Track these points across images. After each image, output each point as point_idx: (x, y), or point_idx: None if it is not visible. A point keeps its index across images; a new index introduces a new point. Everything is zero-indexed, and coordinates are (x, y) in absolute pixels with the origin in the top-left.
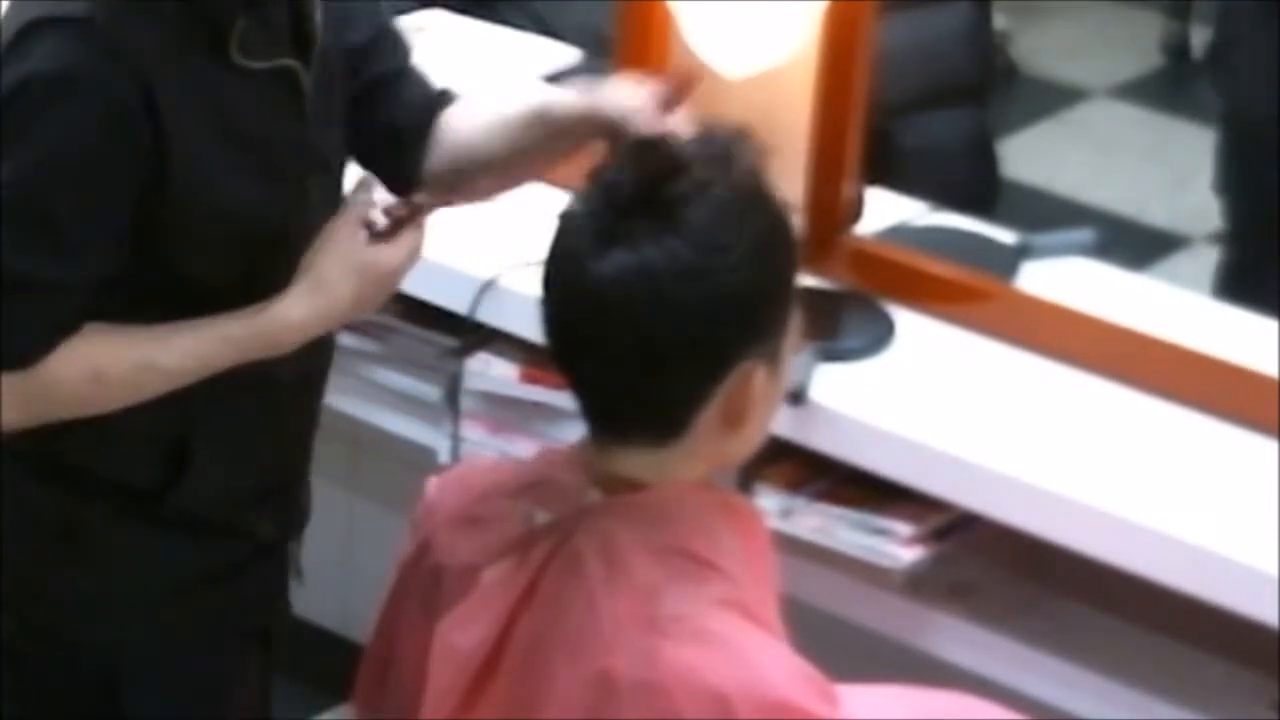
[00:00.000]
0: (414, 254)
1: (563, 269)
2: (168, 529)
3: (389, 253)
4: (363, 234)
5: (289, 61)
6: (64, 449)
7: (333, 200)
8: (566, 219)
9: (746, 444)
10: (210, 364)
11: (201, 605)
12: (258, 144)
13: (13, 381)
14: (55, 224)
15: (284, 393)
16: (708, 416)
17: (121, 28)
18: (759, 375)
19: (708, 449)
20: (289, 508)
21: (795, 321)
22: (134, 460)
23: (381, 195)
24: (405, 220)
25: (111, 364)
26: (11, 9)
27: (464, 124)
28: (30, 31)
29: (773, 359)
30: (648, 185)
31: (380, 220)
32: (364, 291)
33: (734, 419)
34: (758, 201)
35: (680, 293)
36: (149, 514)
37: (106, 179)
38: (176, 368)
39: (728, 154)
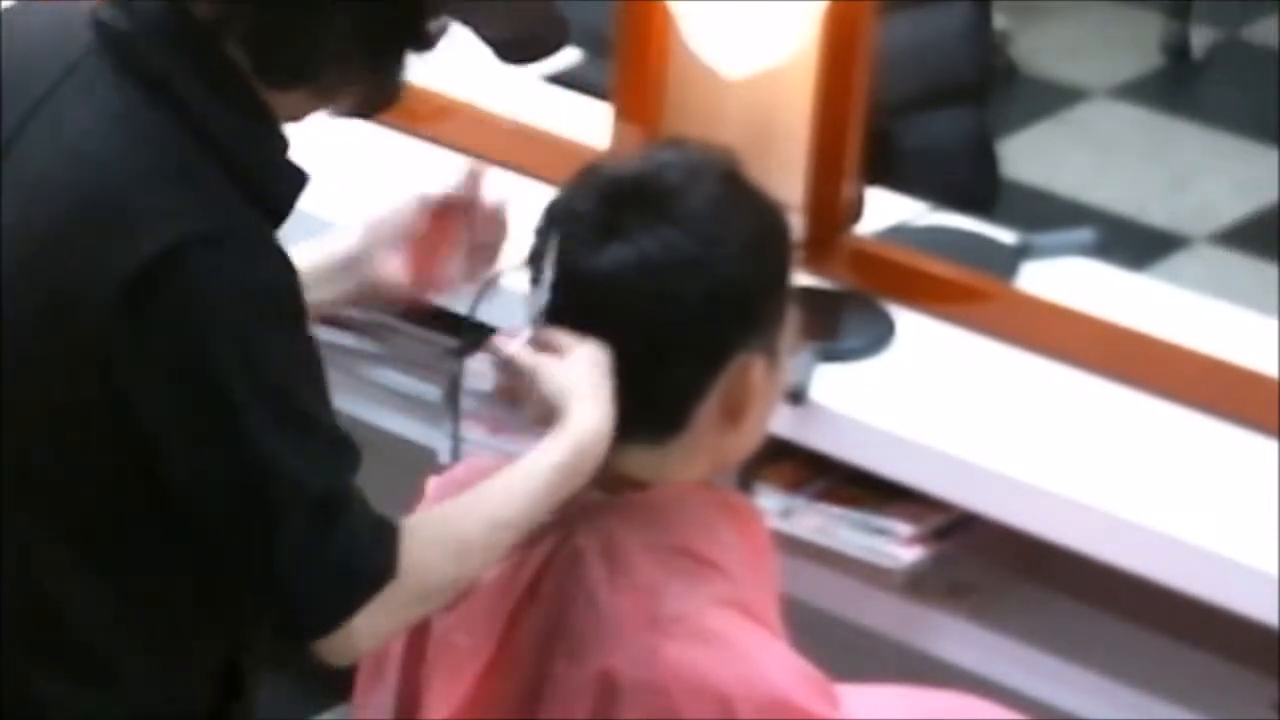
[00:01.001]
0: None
1: (558, 264)
2: None
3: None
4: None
5: None
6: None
7: None
8: (559, 214)
9: (746, 440)
10: (545, 505)
11: None
12: None
13: (392, 594)
14: (319, 418)
15: None
16: (707, 411)
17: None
18: (757, 368)
19: (708, 445)
20: None
21: (792, 315)
22: (189, 689)
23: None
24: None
25: (466, 532)
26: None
27: None
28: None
29: (770, 352)
30: (641, 178)
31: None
32: (598, 387)
33: (733, 413)
34: (747, 193)
35: (678, 284)
36: None
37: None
38: (522, 517)
39: (705, 156)
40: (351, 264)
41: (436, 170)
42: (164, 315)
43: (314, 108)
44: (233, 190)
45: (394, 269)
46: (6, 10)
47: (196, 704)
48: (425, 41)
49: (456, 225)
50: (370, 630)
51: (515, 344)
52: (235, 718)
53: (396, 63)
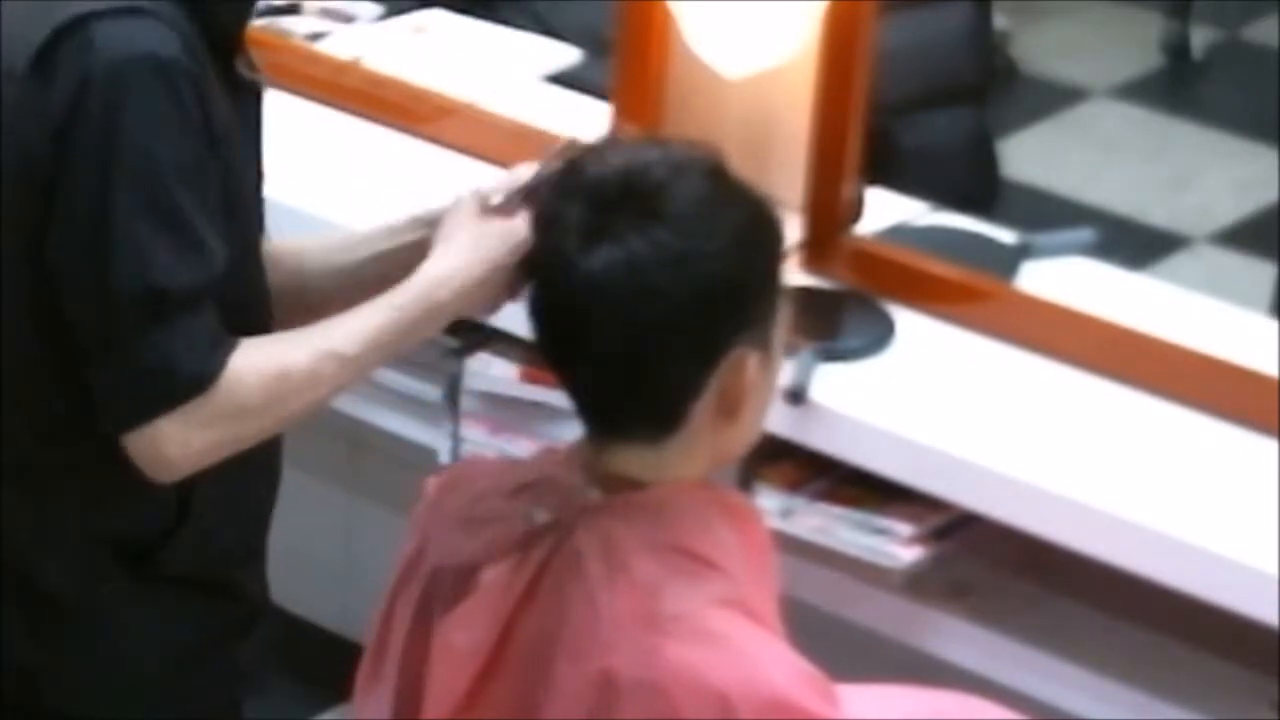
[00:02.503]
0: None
1: (548, 267)
2: (165, 594)
3: (505, 218)
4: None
5: (261, 76)
6: (65, 507)
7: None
8: (547, 216)
9: (743, 436)
10: (382, 342)
11: (204, 676)
12: (255, 152)
13: (200, 406)
14: (189, 222)
15: (267, 448)
16: (703, 408)
17: (176, 21)
18: (751, 363)
19: (705, 443)
20: (263, 572)
21: (786, 308)
22: (134, 512)
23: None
24: (521, 195)
25: (291, 360)
26: (32, 10)
27: (298, 246)
28: (92, 21)
29: (764, 346)
30: (626, 178)
31: (496, 199)
32: (487, 243)
33: (729, 409)
34: (734, 188)
35: (668, 281)
36: (148, 577)
37: (205, 167)
38: (354, 352)
39: (689, 153)
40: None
41: (435, 170)
42: (62, 74)
43: None
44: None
45: None
46: None
47: (139, 527)
48: None
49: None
50: (180, 440)
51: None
52: (185, 540)
53: None
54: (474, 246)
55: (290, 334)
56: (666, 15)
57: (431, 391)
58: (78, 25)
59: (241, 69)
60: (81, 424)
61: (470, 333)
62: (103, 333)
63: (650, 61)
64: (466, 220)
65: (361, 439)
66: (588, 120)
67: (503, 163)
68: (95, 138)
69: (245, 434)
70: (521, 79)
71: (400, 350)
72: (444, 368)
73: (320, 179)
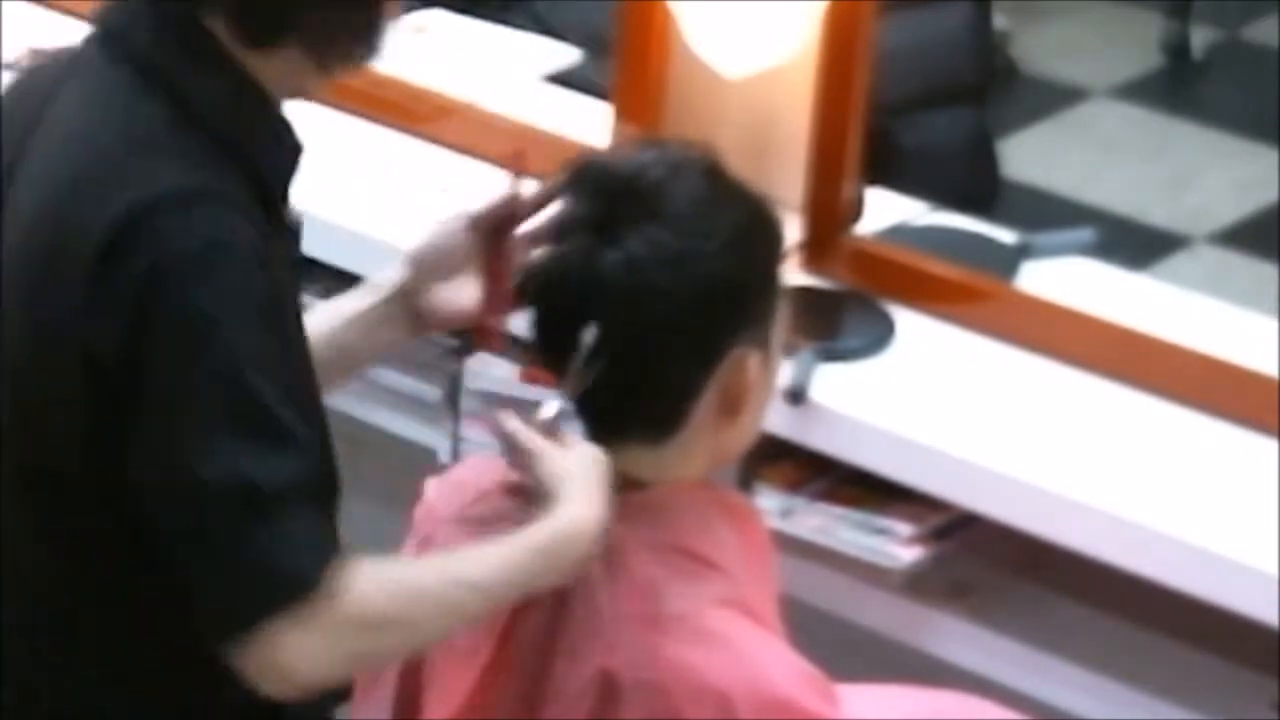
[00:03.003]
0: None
1: (546, 269)
2: None
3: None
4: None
5: (298, 213)
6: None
7: None
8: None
9: (744, 435)
10: (514, 582)
11: None
12: (299, 289)
13: (321, 612)
14: (276, 415)
15: None
16: (703, 408)
17: (236, 194)
18: (752, 362)
19: (705, 442)
20: None
21: (785, 307)
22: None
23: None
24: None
25: (423, 580)
26: (75, 180)
27: None
28: (156, 215)
29: (764, 345)
30: (623, 178)
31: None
32: (594, 486)
33: (729, 408)
34: (731, 187)
35: (667, 281)
36: None
37: (280, 347)
38: (487, 584)
39: (686, 153)
40: (400, 299)
41: (435, 170)
42: (130, 271)
43: (310, 73)
44: (220, 162)
45: (454, 297)
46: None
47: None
48: None
49: (511, 235)
50: (299, 650)
51: (516, 423)
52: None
53: (374, 9)
54: (592, 493)
55: (415, 559)
56: (666, 15)
57: (431, 391)
58: (140, 219)
59: (287, 213)
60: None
61: (470, 333)
62: (196, 539)
63: (650, 61)
64: (576, 456)
65: (361, 439)
66: (588, 120)
67: (503, 163)
68: (170, 339)
69: (381, 649)
70: (521, 79)
71: (528, 591)
72: (444, 368)
73: (320, 179)
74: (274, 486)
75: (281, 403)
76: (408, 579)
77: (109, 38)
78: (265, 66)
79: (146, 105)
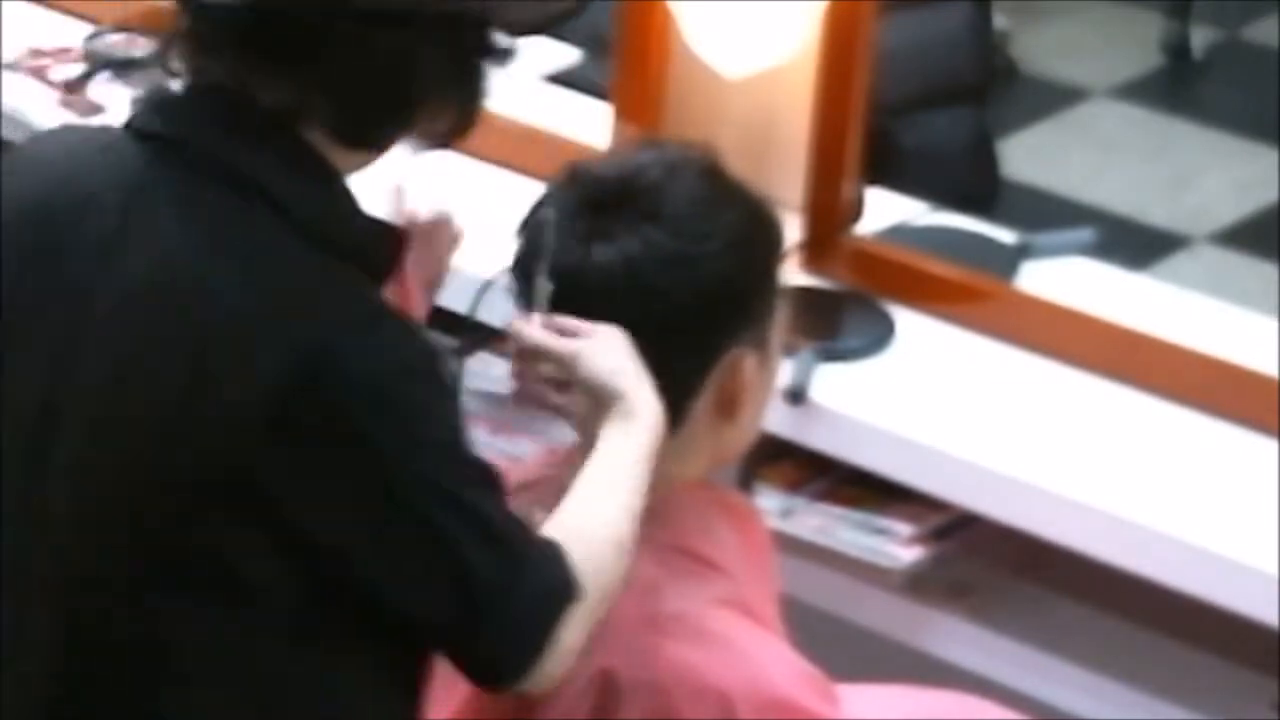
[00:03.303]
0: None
1: (540, 268)
2: None
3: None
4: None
5: None
6: None
7: None
8: (543, 218)
9: (743, 435)
10: (642, 490)
11: None
12: None
13: (581, 605)
14: (484, 466)
15: None
16: (701, 407)
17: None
18: (749, 362)
19: (704, 443)
20: None
21: (783, 307)
22: None
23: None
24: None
25: (617, 528)
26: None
27: None
28: (339, 356)
29: (762, 346)
30: (621, 179)
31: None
32: (635, 360)
33: (727, 408)
34: (729, 188)
35: (664, 282)
36: None
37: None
38: (631, 505)
39: (684, 153)
40: None
41: (435, 170)
42: (321, 417)
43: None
44: (351, 272)
45: None
46: (29, 143)
47: None
48: (503, 54)
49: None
50: (573, 646)
51: (537, 330)
52: None
53: (481, 80)
54: (644, 372)
55: (578, 507)
56: (666, 15)
57: None
58: (325, 359)
59: None
60: None
61: (470, 333)
62: (465, 605)
63: (650, 61)
64: (621, 346)
65: None
66: (588, 120)
67: (502, 162)
68: (389, 461)
69: (604, 611)
70: (521, 79)
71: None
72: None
73: None
74: (510, 526)
75: (469, 443)
76: (613, 537)
77: (194, 152)
78: (357, 160)
79: (267, 233)
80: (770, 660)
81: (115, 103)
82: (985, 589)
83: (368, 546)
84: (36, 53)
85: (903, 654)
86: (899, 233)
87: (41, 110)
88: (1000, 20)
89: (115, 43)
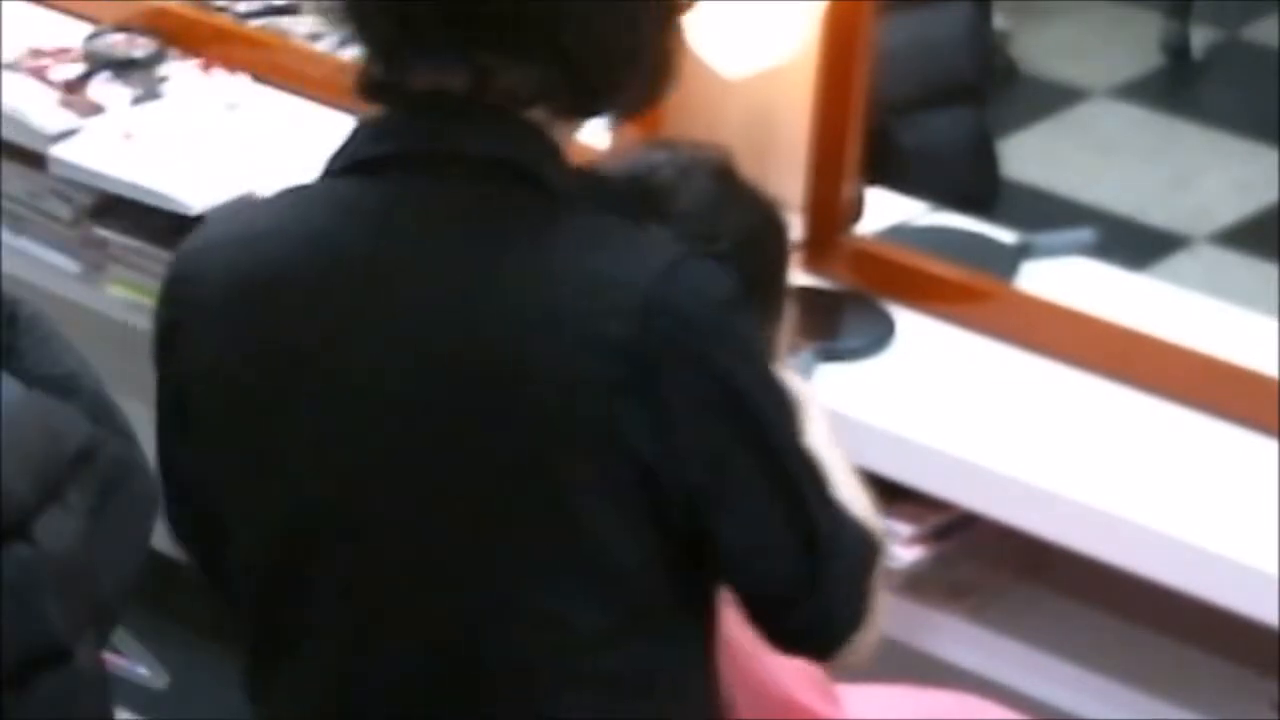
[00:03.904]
0: None
1: None
2: None
3: None
4: None
5: None
6: None
7: None
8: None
9: None
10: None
11: None
12: None
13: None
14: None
15: None
16: None
17: None
18: None
19: None
20: None
21: (790, 310)
22: None
23: None
24: None
25: (859, 489)
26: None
27: None
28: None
29: (769, 347)
30: (634, 179)
31: None
32: None
33: None
34: (741, 190)
35: None
36: None
37: None
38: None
39: (696, 154)
40: None
41: None
42: (667, 368)
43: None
44: (627, 225)
45: None
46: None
47: None
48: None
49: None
50: (878, 610)
51: None
52: None
53: (680, 40)
54: None
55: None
56: None
57: None
58: (656, 313)
59: None
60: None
61: None
62: (807, 565)
63: None
64: None
65: None
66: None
67: None
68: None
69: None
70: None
71: None
72: None
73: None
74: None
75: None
76: (865, 501)
77: (443, 158)
78: (569, 134)
79: (541, 213)
80: (772, 659)
81: (115, 102)
82: (985, 589)
83: (728, 502)
84: (36, 53)
85: (903, 654)
86: (899, 233)
87: (41, 110)
88: (1000, 20)
89: (115, 43)
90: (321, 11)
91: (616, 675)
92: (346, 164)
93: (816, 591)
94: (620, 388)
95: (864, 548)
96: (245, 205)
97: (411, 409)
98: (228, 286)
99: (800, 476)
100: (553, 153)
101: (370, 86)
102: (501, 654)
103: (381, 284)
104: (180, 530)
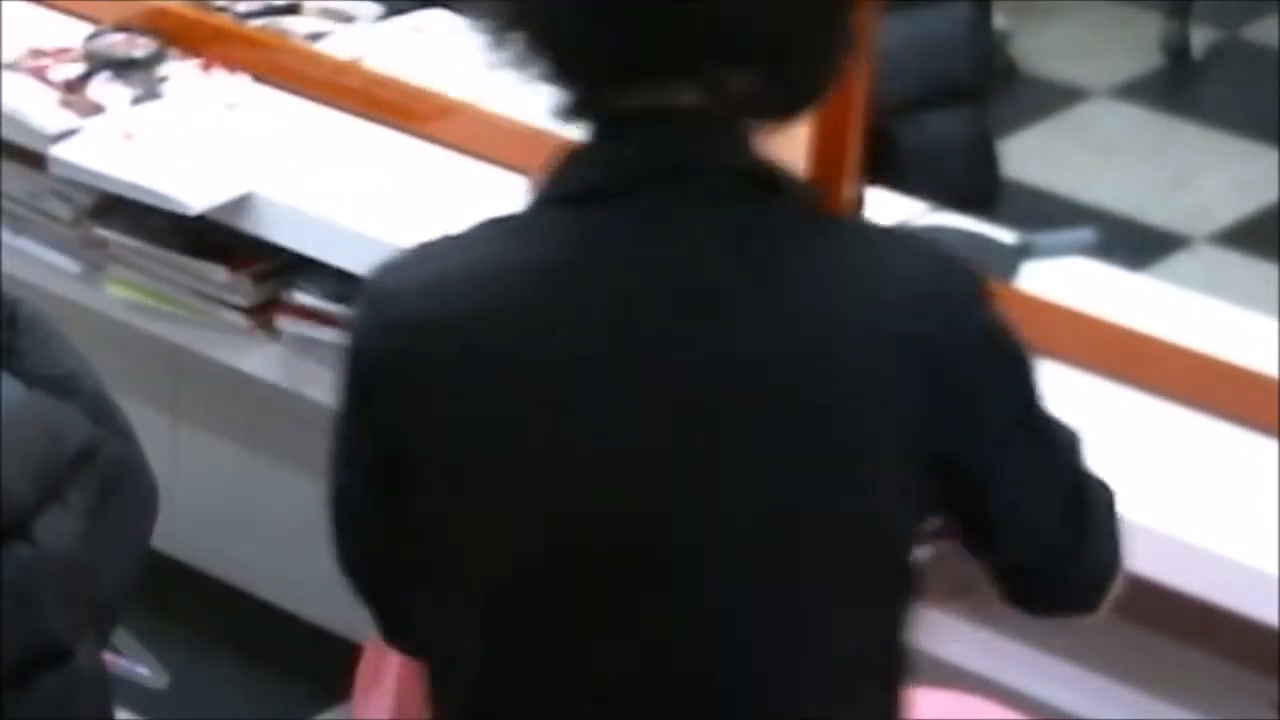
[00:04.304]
0: None
1: None
2: None
3: None
4: None
5: None
6: None
7: None
8: None
9: None
10: None
11: None
12: None
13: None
14: None
15: None
16: None
17: None
18: None
19: None
20: None
21: None
22: None
23: None
24: None
25: None
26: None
27: None
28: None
29: None
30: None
31: None
32: None
33: None
34: None
35: None
36: None
37: None
38: None
39: None
40: None
41: (435, 170)
42: (964, 345)
43: None
44: (857, 225)
45: None
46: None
47: None
48: None
49: None
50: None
51: None
52: None
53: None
54: None
55: None
56: None
57: None
58: (939, 300)
59: None
60: None
61: None
62: (1076, 526)
63: None
64: None
65: None
66: None
67: (503, 162)
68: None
69: None
70: (521, 79)
71: None
72: None
73: (320, 179)
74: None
75: None
76: None
77: (675, 183)
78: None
79: (790, 219)
80: None
81: (115, 102)
82: (985, 589)
83: (1010, 473)
84: (36, 53)
85: None
86: None
87: (41, 110)
88: (1000, 20)
89: (115, 43)
90: (499, 48)
91: (882, 670)
92: (571, 191)
93: (1086, 543)
94: (916, 380)
95: (1107, 491)
96: (449, 244)
97: (706, 425)
98: (467, 329)
99: (1057, 434)
100: (773, 159)
101: (580, 110)
102: (782, 667)
103: (651, 310)
104: (367, 585)
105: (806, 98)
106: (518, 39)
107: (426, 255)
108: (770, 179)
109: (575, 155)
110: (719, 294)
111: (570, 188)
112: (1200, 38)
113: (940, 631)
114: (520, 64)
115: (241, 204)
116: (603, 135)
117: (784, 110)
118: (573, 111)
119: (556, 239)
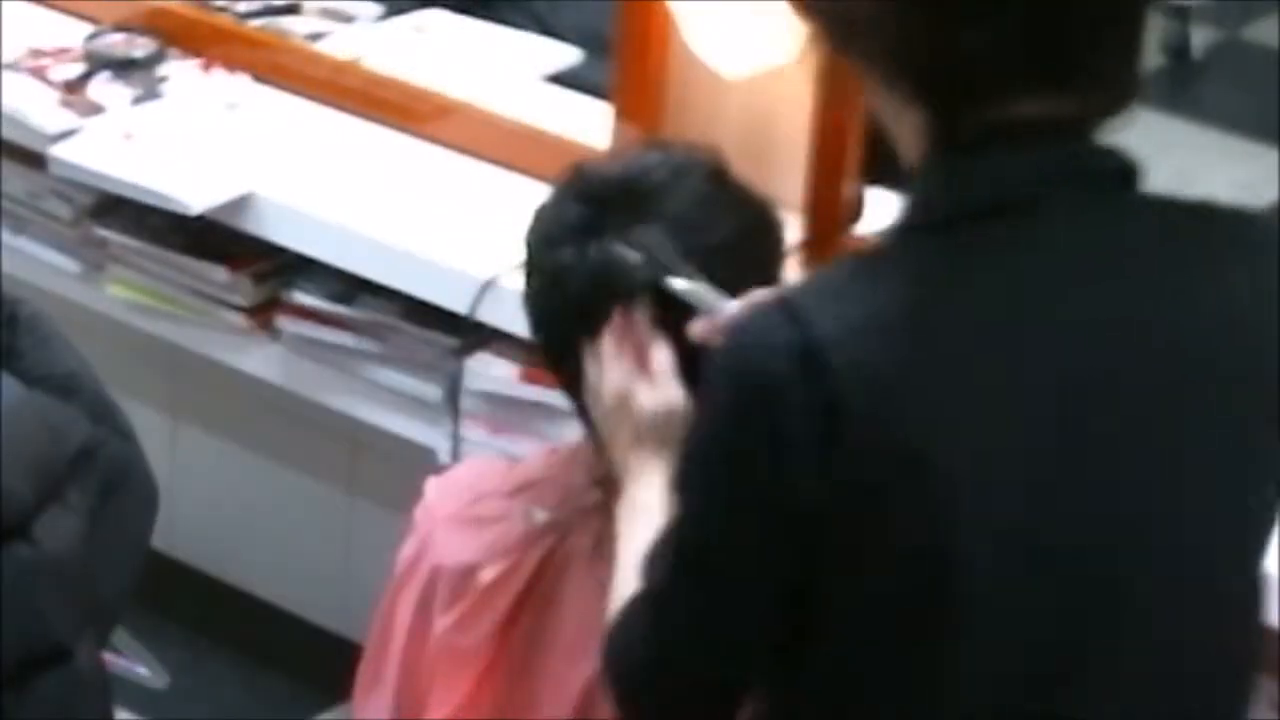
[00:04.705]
0: None
1: (547, 270)
2: None
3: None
4: None
5: None
6: None
7: None
8: (545, 217)
9: None
10: None
11: None
12: None
13: None
14: None
15: None
16: None
17: None
18: None
19: None
20: None
21: None
22: None
23: None
24: None
25: None
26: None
27: None
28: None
29: None
30: (627, 179)
31: None
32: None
33: None
34: (734, 191)
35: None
36: None
37: None
38: None
39: (690, 155)
40: None
41: (435, 170)
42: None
43: None
44: None
45: None
46: None
47: None
48: None
49: None
50: None
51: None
52: None
53: None
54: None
55: None
56: (666, 15)
57: (431, 391)
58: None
59: None
60: None
61: (470, 333)
62: None
63: (650, 61)
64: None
65: (361, 439)
66: (588, 120)
67: (502, 162)
68: None
69: None
70: (521, 79)
71: None
72: (444, 368)
73: (320, 179)
74: None
75: None
76: None
77: (1079, 191)
78: None
79: (1180, 213)
80: None
81: (115, 102)
82: None
83: None
84: (36, 53)
85: None
86: None
87: (41, 110)
88: None
89: (115, 43)
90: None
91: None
92: (979, 207)
93: None
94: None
95: None
96: (856, 287)
97: (1193, 430)
98: (955, 368)
99: None
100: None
101: (957, 124)
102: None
103: (1120, 311)
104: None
105: (1129, 97)
106: (892, 58)
107: (856, 299)
108: (1133, 172)
109: (972, 172)
110: (1164, 288)
111: (972, 205)
112: (1200, 38)
113: None
114: (887, 84)
115: (241, 204)
116: (999, 150)
117: (1115, 110)
118: (948, 126)
119: (973, 264)
